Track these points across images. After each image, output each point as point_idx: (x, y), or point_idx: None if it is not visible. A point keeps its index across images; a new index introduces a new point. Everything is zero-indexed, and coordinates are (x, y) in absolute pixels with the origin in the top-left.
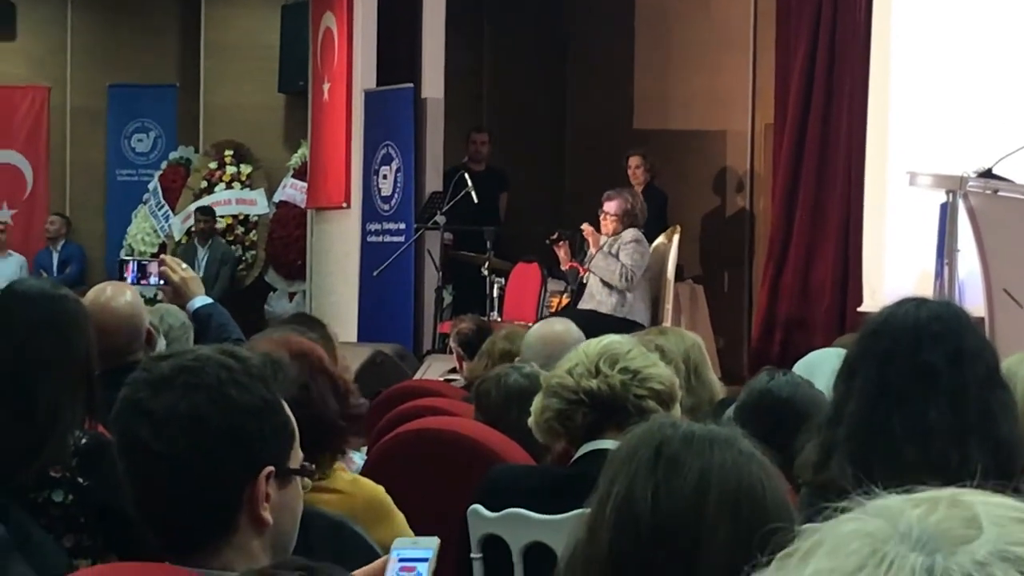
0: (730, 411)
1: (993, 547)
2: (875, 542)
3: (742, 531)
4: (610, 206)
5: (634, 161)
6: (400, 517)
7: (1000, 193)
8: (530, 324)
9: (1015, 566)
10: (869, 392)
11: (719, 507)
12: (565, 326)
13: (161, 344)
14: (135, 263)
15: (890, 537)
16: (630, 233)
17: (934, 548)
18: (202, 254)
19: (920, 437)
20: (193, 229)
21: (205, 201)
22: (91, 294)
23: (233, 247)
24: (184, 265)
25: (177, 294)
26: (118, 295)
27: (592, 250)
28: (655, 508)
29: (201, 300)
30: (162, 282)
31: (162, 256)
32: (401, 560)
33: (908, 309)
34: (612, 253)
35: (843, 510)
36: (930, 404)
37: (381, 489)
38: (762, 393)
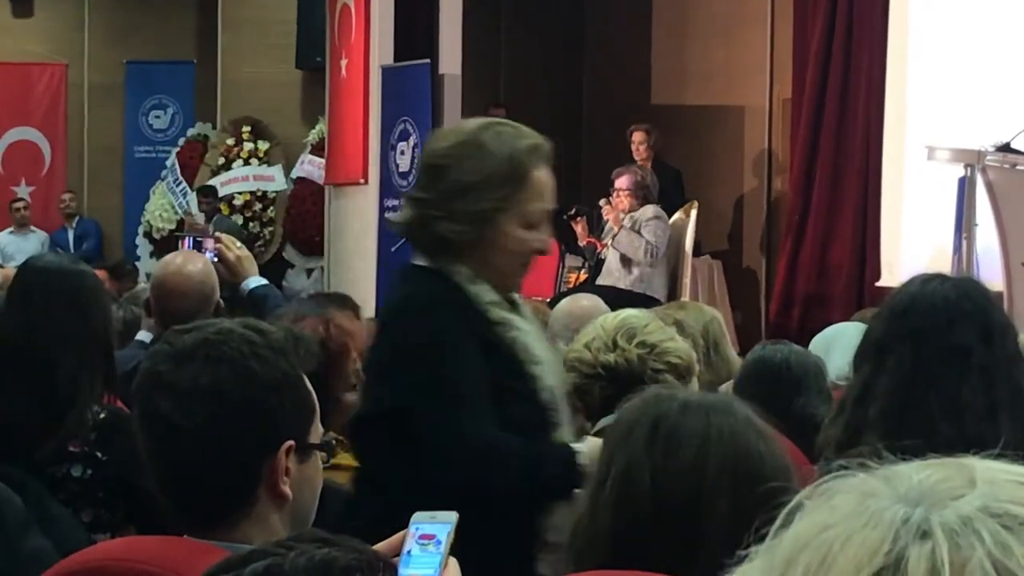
0: (728, 386)
1: (981, 503)
2: (862, 497)
3: (743, 500)
4: (621, 182)
5: (638, 137)
6: None
7: (1018, 167)
8: (548, 300)
9: (1000, 521)
10: (903, 371)
11: (718, 479)
12: (592, 301)
13: None
14: (191, 239)
15: (879, 493)
16: (650, 209)
17: (919, 502)
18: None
19: (954, 415)
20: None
21: (221, 177)
22: (164, 259)
23: (251, 223)
24: (239, 243)
25: (232, 272)
26: (190, 262)
27: (614, 227)
28: (654, 486)
29: (256, 280)
30: (216, 259)
31: (217, 234)
32: (420, 534)
33: (935, 287)
34: (635, 230)
35: (848, 474)
36: (963, 382)
37: None
38: (756, 362)
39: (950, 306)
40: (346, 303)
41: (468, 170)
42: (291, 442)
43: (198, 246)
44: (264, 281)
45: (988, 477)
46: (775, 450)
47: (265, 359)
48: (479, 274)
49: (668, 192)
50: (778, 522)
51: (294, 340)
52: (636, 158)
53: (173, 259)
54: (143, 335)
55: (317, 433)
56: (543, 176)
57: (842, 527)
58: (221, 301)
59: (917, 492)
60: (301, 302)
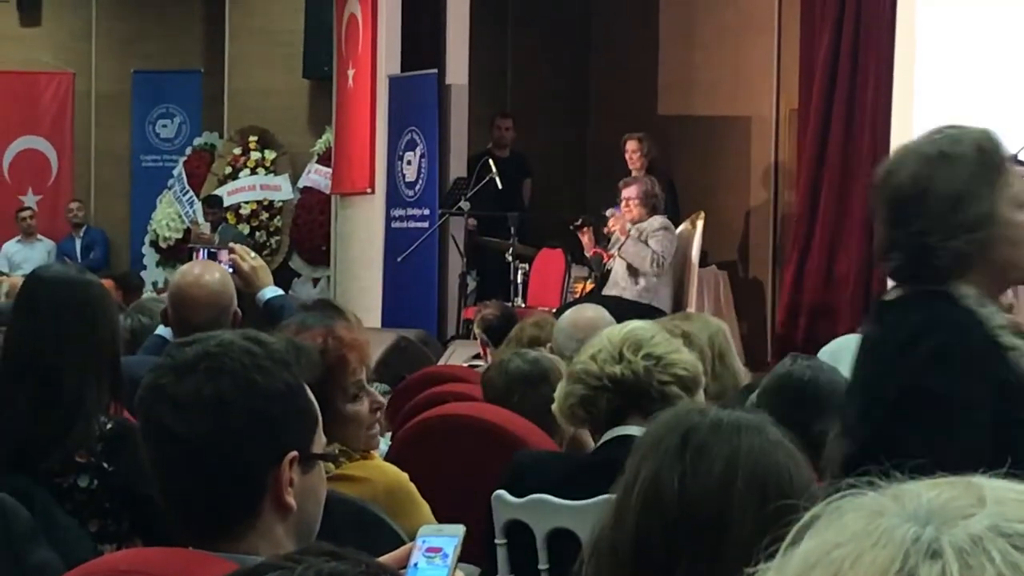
0: (753, 396)
1: (990, 522)
2: (872, 516)
3: (769, 518)
4: (629, 191)
5: (631, 146)
6: (423, 504)
7: None
8: (554, 310)
9: (1010, 540)
10: None
11: (746, 494)
12: (597, 312)
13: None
14: (205, 250)
15: (889, 511)
16: (658, 220)
17: (928, 521)
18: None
19: None
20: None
21: (228, 187)
22: (181, 269)
23: (257, 233)
24: (253, 254)
25: (247, 283)
26: (207, 272)
27: (620, 237)
28: (682, 494)
29: (272, 291)
30: (231, 270)
31: (232, 244)
32: (426, 547)
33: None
34: (641, 240)
35: (857, 492)
36: None
37: (404, 476)
38: (783, 376)
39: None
40: (343, 313)
41: (948, 181)
42: (295, 452)
43: (212, 257)
44: (280, 291)
45: (997, 496)
46: (803, 473)
47: (266, 370)
48: (985, 293)
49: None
50: (788, 539)
51: (295, 350)
52: (631, 168)
53: (191, 269)
54: (163, 330)
55: (320, 443)
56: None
57: (852, 546)
58: (239, 311)
59: (927, 511)
60: (305, 312)
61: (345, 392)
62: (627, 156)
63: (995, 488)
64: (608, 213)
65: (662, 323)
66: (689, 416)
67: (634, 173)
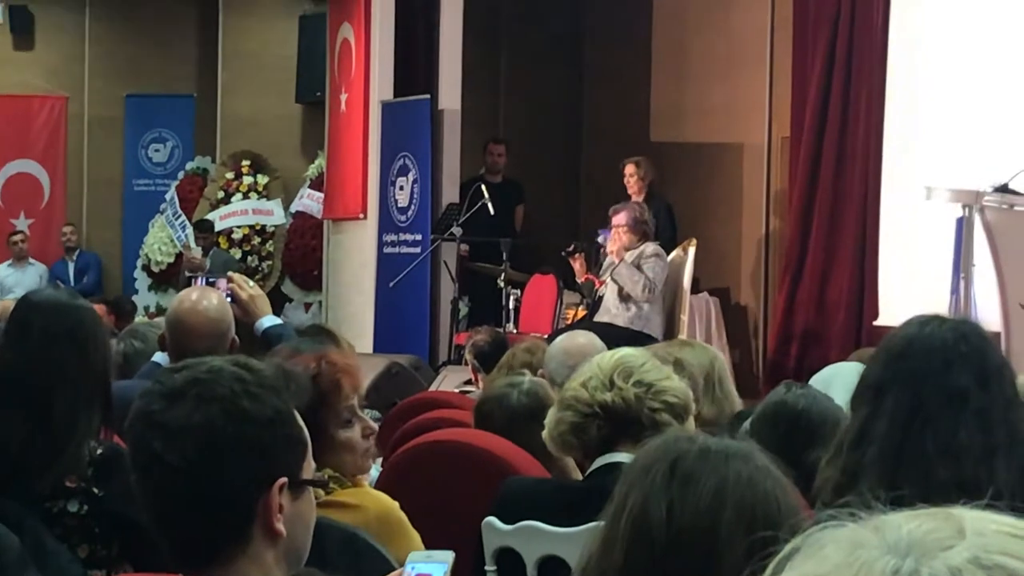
0: (747, 423)
1: (970, 554)
2: (852, 547)
3: (757, 546)
4: (619, 218)
5: (628, 169)
6: (414, 533)
7: (1016, 208)
8: (546, 336)
9: (989, 573)
10: (900, 414)
11: (734, 522)
12: (588, 338)
13: None
14: (203, 279)
15: (869, 543)
16: (651, 247)
17: (908, 553)
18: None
19: (951, 458)
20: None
21: (220, 211)
22: (179, 296)
23: (250, 257)
24: (252, 283)
25: (245, 312)
26: (204, 298)
27: (615, 259)
28: (670, 522)
29: (270, 320)
30: (230, 299)
31: (230, 273)
32: (416, 573)
33: (932, 330)
34: (636, 265)
35: (838, 523)
36: (960, 425)
37: (395, 504)
38: (777, 404)
39: (947, 349)
40: (336, 338)
41: None
42: (284, 479)
43: (210, 287)
44: (278, 320)
45: (977, 528)
46: (791, 500)
47: (256, 396)
48: None
49: (660, 225)
50: (768, 571)
51: (285, 376)
52: (629, 192)
53: (188, 295)
54: (159, 356)
55: (310, 469)
56: None
57: None
58: (236, 338)
59: (907, 542)
60: (299, 338)
61: (338, 417)
62: (625, 180)
63: (975, 519)
64: (600, 239)
65: (657, 350)
66: (677, 444)
67: (632, 197)
